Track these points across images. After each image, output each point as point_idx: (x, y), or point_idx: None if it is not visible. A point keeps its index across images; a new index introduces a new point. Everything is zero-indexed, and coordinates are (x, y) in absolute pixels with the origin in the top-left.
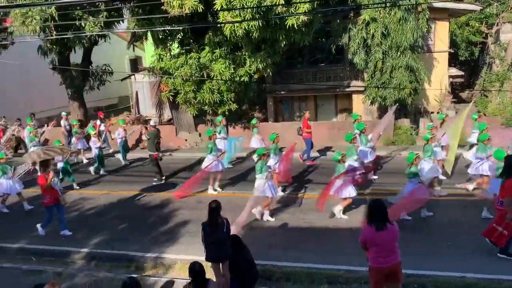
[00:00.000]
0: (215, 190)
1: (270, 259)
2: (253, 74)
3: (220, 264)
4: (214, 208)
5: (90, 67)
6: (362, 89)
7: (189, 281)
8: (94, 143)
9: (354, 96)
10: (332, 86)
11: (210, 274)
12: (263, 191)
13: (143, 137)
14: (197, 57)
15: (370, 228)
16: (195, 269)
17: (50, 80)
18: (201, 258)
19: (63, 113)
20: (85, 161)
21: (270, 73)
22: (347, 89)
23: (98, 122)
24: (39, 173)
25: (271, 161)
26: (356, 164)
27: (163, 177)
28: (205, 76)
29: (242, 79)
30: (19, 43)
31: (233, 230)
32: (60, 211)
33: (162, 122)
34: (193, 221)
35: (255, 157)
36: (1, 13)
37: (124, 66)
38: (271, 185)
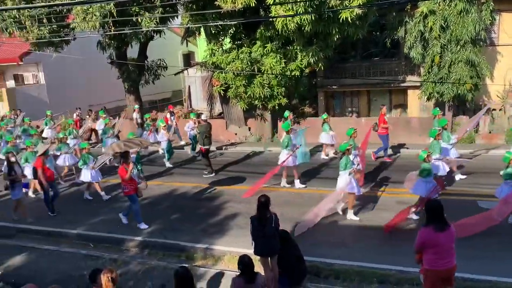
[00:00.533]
0: (286, 185)
1: (319, 256)
2: (304, 68)
3: (269, 259)
4: (263, 202)
5: (146, 61)
6: (418, 84)
7: (238, 273)
8: (163, 136)
9: (410, 92)
10: (386, 81)
11: (258, 267)
12: (350, 187)
13: (194, 131)
14: (249, 51)
15: (428, 229)
16: (245, 262)
17: (108, 74)
18: (249, 251)
19: (136, 106)
20: (161, 152)
21: (322, 67)
22: (402, 84)
23: (168, 115)
24: (117, 164)
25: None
26: (439, 162)
27: (213, 171)
28: (256, 71)
29: (293, 73)
30: (80, 38)
31: (306, 224)
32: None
33: (212, 116)
34: (242, 214)
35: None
36: (65, 10)
37: (178, 61)
38: (355, 181)
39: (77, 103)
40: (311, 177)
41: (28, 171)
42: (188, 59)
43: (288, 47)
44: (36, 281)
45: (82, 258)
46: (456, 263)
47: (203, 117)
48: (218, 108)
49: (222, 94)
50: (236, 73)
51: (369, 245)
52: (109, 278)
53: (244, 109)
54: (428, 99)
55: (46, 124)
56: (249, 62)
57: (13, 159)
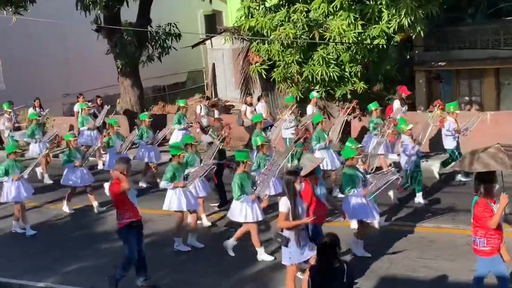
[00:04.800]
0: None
1: None
2: (393, 35)
3: None
4: (330, 244)
5: (149, 27)
6: None
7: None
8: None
9: None
10: None
11: None
12: None
13: (205, 138)
14: (305, 10)
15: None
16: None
17: (93, 48)
18: None
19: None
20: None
21: (422, 33)
22: None
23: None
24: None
25: None
26: None
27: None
28: (317, 39)
29: (375, 43)
30: None
31: None
32: None
33: None
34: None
35: None
36: None
37: (197, 26)
38: None
39: (48, 91)
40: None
41: None
42: (213, 22)
43: (367, 2)
44: None
45: None
46: None
47: (215, 114)
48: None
49: (265, 76)
50: (286, 43)
51: None
52: None
53: (299, 98)
54: None
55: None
56: (306, 27)
57: None
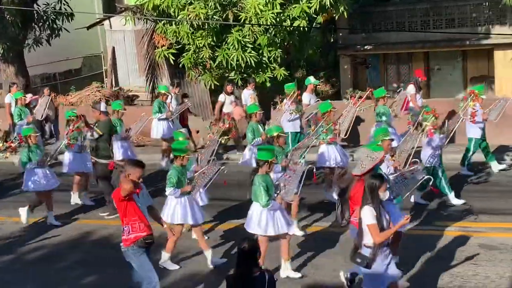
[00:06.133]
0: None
1: None
2: (314, 16)
3: None
4: (246, 251)
5: (36, 5)
6: None
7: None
8: None
9: (498, 54)
10: (457, 36)
11: None
12: None
13: (88, 135)
14: None
15: None
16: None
17: None
18: None
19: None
20: None
21: (345, 14)
22: (484, 41)
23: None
24: None
25: None
26: None
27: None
28: (231, 20)
29: (295, 25)
30: None
31: None
32: None
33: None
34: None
35: None
36: None
37: (93, 4)
38: None
39: None
40: None
41: None
42: (112, 0)
43: None
44: None
45: None
46: None
47: (101, 107)
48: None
49: (173, 62)
50: (196, 24)
51: None
52: None
53: (212, 87)
54: None
55: None
56: (218, 6)
57: None
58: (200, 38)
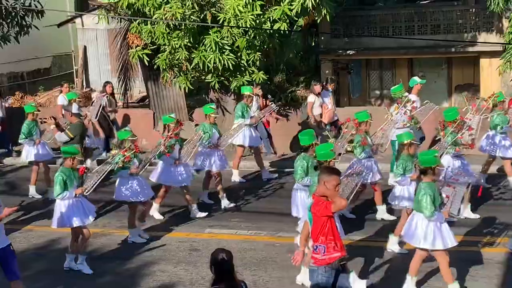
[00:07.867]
0: None
1: None
2: (296, 19)
3: None
4: (221, 262)
5: (4, 1)
6: (499, 48)
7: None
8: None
9: (484, 61)
10: (442, 42)
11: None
12: None
13: (59, 137)
14: None
15: None
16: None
17: None
18: None
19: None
20: None
21: (327, 17)
22: (470, 48)
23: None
24: None
25: None
26: None
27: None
28: (209, 22)
29: (276, 27)
30: None
31: None
32: None
33: (129, 103)
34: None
35: None
36: None
37: (65, 2)
38: None
39: None
40: None
41: None
42: None
43: None
44: None
45: None
46: None
47: (73, 109)
48: (139, 88)
49: (147, 63)
50: (172, 24)
51: None
52: None
53: (187, 90)
54: None
55: None
56: (196, 6)
57: None
58: (176, 39)
